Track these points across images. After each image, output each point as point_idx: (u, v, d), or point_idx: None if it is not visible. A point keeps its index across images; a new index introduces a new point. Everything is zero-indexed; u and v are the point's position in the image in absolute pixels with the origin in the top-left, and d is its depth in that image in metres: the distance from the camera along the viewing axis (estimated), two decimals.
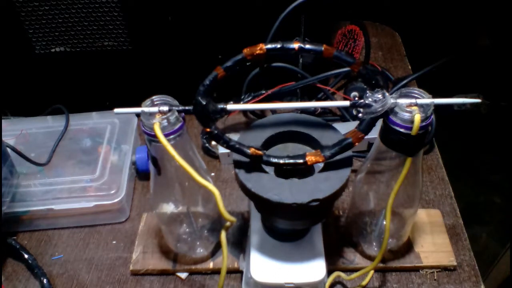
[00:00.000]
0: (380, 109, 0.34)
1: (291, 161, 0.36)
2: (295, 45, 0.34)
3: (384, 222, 0.41)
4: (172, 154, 0.35)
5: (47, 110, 0.65)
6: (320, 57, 0.35)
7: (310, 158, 0.36)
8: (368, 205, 0.46)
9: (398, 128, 0.35)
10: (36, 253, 0.52)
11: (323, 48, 0.34)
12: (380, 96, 0.34)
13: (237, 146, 0.36)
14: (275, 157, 0.36)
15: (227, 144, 0.36)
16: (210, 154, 0.62)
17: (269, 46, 0.35)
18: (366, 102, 0.34)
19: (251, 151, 0.36)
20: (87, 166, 0.57)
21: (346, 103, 0.36)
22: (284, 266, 0.41)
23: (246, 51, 0.35)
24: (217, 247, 0.49)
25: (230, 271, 0.48)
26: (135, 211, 0.56)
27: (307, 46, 0.34)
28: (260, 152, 0.36)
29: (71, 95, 0.65)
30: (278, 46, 0.34)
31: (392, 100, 0.35)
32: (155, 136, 0.35)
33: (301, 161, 0.36)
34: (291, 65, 0.61)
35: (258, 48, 0.34)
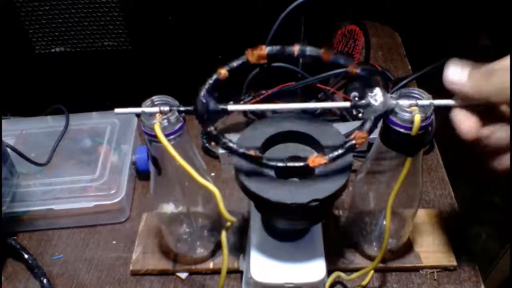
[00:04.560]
0: (380, 108, 0.34)
1: (293, 164, 0.36)
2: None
3: (384, 222, 0.41)
4: (172, 154, 0.35)
5: (47, 110, 0.65)
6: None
7: (312, 161, 0.35)
8: (368, 205, 0.46)
9: (398, 128, 0.35)
10: (36, 253, 0.52)
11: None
12: (380, 96, 0.34)
13: (237, 149, 0.36)
14: (275, 160, 0.36)
15: (226, 147, 0.36)
16: (210, 154, 0.62)
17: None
18: (366, 102, 0.34)
19: (251, 153, 0.36)
20: (87, 166, 0.57)
21: (347, 104, 0.36)
22: (284, 266, 0.41)
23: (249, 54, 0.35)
24: (217, 247, 0.49)
25: (230, 271, 0.48)
26: (135, 211, 0.56)
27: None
28: (259, 155, 0.36)
29: (71, 95, 0.65)
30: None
31: (393, 101, 0.35)
32: (155, 136, 0.35)
33: (302, 164, 0.35)
34: (291, 65, 0.61)
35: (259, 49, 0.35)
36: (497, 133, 0.34)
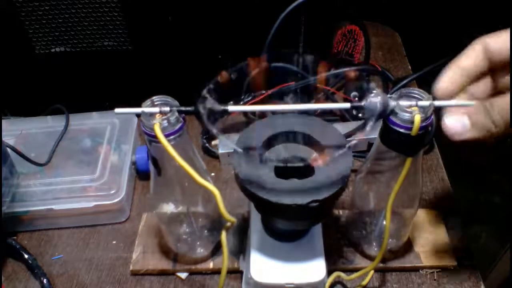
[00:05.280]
0: (379, 109, 0.34)
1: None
2: None
3: (384, 222, 0.41)
4: (172, 155, 0.35)
5: (47, 110, 0.65)
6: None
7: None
8: (368, 205, 0.46)
9: (398, 129, 0.35)
10: (36, 253, 0.52)
11: None
12: (379, 98, 0.34)
13: None
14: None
15: None
16: (210, 154, 0.62)
17: None
18: (365, 103, 0.35)
19: None
20: (87, 166, 0.57)
21: (347, 105, 0.36)
22: (284, 266, 0.41)
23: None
24: (217, 247, 0.49)
25: (230, 271, 0.48)
26: (135, 211, 0.56)
27: None
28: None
29: (71, 95, 0.65)
30: None
31: (393, 103, 0.35)
32: (155, 136, 0.35)
33: None
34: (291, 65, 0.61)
35: None
36: None
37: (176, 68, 0.63)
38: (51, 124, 0.63)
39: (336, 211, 0.54)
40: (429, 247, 0.49)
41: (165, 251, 0.50)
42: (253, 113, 0.66)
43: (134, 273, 0.49)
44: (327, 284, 0.43)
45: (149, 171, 0.42)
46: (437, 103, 0.35)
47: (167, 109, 0.35)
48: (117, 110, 0.36)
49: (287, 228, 0.42)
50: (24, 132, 0.61)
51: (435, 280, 0.48)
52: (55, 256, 0.52)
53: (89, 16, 0.57)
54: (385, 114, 0.35)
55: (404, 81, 0.62)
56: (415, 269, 0.48)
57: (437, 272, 0.48)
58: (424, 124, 0.34)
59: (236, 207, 0.54)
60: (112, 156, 0.58)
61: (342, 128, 0.56)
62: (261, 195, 0.35)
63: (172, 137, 0.36)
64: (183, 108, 0.36)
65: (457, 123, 0.33)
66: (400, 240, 0.48)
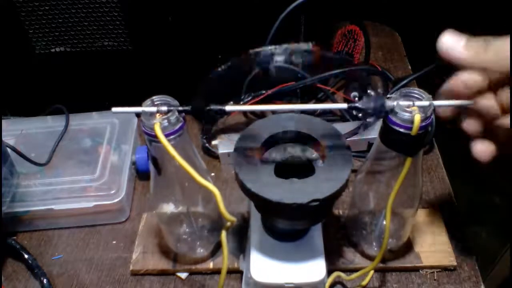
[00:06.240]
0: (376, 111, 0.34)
1: None
2: None
3: (384, 222, 0.41)
4: (172, 155, 0.35)
5: (47, 110, 0.65)
6: None
7: None
8: (368, 205, 0.46)
9: (398, 128, 0.35)
10: (36, 253, 0.52)
11: None
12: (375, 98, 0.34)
13: None
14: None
15: None
16: (210, 154, 0.62)
17: None
18: (362, 107, 0.35)
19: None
20: (87, 166, 0.57)
21: (344, 105, 0.36)
22: (284, 266, 0.41)
23: None
24: (217, 247, 0.49)
25: (230, 271, 0.48)
26: (135, 211, 0.56)
27: None
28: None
29: (71, 95, 0.65)
30: None
31: (390, 103, 0.35)
32: (155, 136, 0.35)
33: None
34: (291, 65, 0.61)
35: None
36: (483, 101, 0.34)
37: (176, 68, 0.63)
38: (51, 124, 0.63)
39: (336, 211, 0.54)
40: (429, 247, 0.49)
41: (165, 251, 0.50)
42: (253, 113, 0.66)
43: (134, 273, 0.49)
44: (327, 284, 0.43)
45: (149, 171, 0.42)
46: (436, 103, 0.35)
47: (164, 108, 0.35)
48: (114, 109, 0.35)
49: (287, 227, 0.42)
50: (24, 132, 0.61)
51: (435, 280, 0.48)
52: (55, 256, 0.52)
53: (89, 16, 0.57)
54: (382, 115, 0.35)
55: (404, 81, 0.62)
56: (415, 269, 0.48)
57: (437, 272, 0.48)
58: (424, 124, 0.34)
59: (236, 207, 0.54)
60: (112, 156, 0.58)
61: (342, 128, 0.56)
62: (262, 194, 0.35)
63: (172, 136, 0.36)
64: (182, 108, 0.36)
65: (452, 41, 0.32)
66: (400, 240, 0.48)
